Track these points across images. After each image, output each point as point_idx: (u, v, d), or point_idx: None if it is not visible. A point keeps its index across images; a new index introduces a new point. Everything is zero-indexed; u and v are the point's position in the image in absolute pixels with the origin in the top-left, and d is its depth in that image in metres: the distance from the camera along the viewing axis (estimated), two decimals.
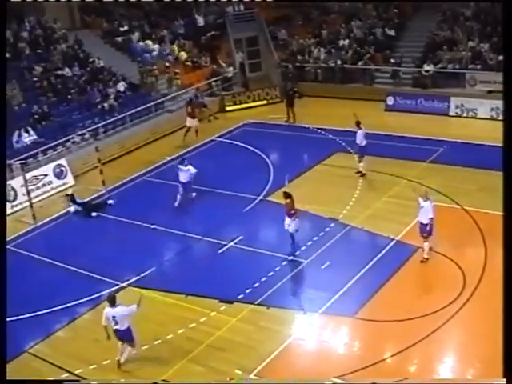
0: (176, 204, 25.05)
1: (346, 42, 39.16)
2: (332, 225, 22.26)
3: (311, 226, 22.71)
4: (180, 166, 25.39)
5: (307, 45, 40.33)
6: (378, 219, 22.37)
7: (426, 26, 38.71)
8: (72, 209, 25.81)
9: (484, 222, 21.04)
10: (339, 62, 38.03)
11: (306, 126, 32.47)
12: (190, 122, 32.25)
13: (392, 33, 38.88)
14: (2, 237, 15.38)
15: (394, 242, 20.79)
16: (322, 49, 39.44)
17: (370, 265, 19.57)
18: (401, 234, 21.11)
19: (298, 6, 44.01)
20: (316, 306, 17.95)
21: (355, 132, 25.73)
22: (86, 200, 26.26)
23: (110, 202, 26.15)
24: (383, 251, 20.28)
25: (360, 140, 25.73)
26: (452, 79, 34.61)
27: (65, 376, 16.06)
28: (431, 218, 19.07)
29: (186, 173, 25.09)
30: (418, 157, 26.96)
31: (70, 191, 26.73)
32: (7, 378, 13.00)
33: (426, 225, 19.15)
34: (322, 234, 21.72)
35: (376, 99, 34.45)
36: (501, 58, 33.08)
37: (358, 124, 25.77)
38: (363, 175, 25.78)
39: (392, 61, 37.05)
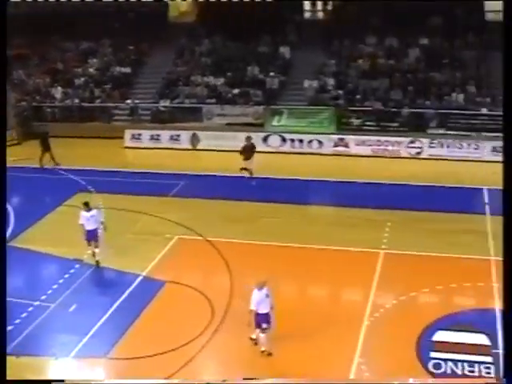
0: None
1: (82, 80, 38.89)
2: (77, 266, 21.72)
3: (56, 268, 22.08)
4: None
5: (44, 84, 39.58)
6: (123, 256, 22.15)
7: (162, 62, 39.56)
8: None
9: (228, 250, 21.72)
10: (76, 101, 37.65)
11: (46, 167, 31.64)
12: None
13: (128, 70, 39.16)
14: (2, 236, 14.81)
15: (141, 277, 20.73)
16: (59, 88, 38.85)
17: (118, 303, 19.31)
18: (147, 269, 21.12)
19: (35, 46, 43.00)
20: (67, 350, 17.32)
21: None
22: None
23: None
24: (131, 288, 20.14)
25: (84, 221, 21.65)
26: (190, 114, 35.49)
27: None
28: (272, 308, 16.65)
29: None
30: (160, 191, 27.33)
31: None
32: (7, 378, 12.31)
33: (267, 314, 16.62)
34: (67, 276, 21.10)
35: (115, 136, 34.48)
36: (235, 91, 34.65)
37: (86, 205, 21.96)
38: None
39: (129, 98, 37.37)
